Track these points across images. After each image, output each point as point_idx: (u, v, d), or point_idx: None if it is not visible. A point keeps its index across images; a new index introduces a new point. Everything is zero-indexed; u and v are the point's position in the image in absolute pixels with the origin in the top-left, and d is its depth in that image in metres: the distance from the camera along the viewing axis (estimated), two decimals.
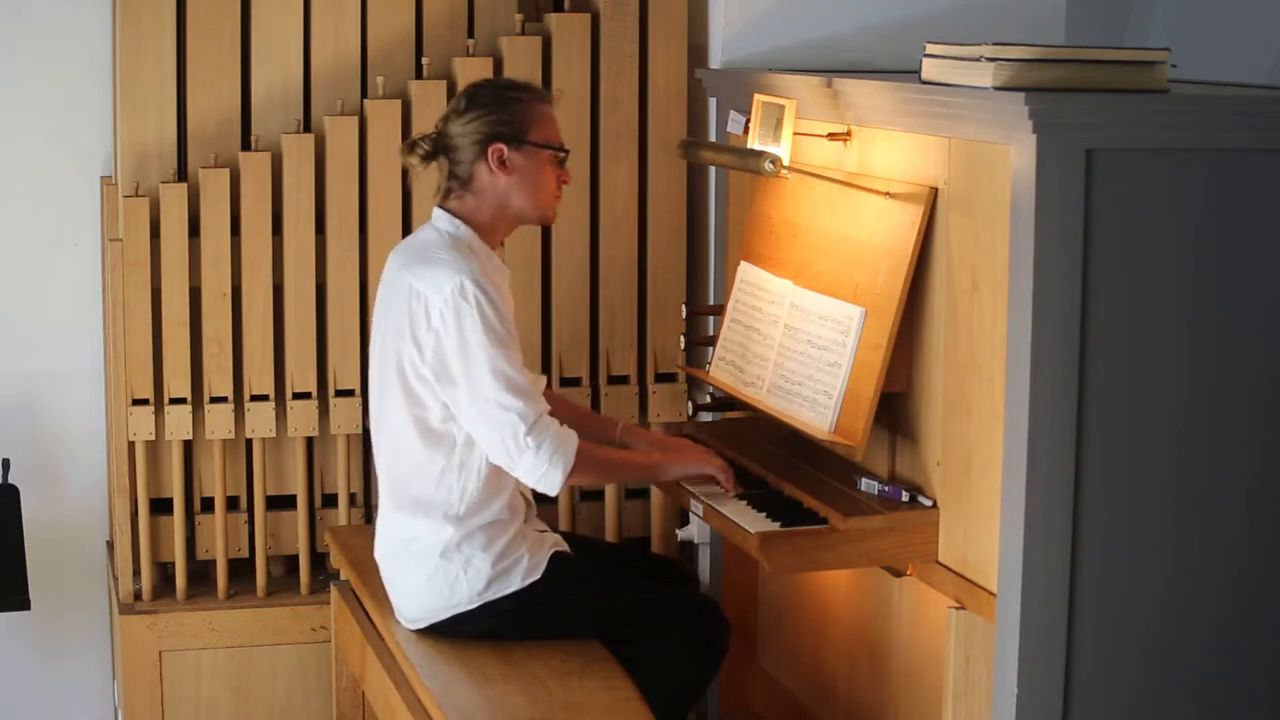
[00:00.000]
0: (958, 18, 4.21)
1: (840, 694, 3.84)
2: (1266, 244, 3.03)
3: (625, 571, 3.72)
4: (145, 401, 4.12)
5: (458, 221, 3.55)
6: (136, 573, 4.24)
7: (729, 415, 4.07)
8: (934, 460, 3.27)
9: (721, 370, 3.79)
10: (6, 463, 4.28)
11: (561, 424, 3.47)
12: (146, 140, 4.13)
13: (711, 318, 4.06)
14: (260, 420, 4.17)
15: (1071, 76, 2.96)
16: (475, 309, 3.40)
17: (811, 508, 3.37)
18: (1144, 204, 2.96)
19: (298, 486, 4.25)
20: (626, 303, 4.32)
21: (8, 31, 4.47)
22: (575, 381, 4.31)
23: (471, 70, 4.17)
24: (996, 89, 2.97)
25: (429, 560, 3.52)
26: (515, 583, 3.53)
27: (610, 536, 4.36)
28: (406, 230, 4.18)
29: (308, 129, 4.18)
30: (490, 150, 3.53)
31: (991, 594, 3.06)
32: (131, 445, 4.17)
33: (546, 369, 4.29)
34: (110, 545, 4.49)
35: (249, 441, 4.23)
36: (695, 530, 4.31)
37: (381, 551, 3.64)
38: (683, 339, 4.01)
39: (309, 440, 4.25)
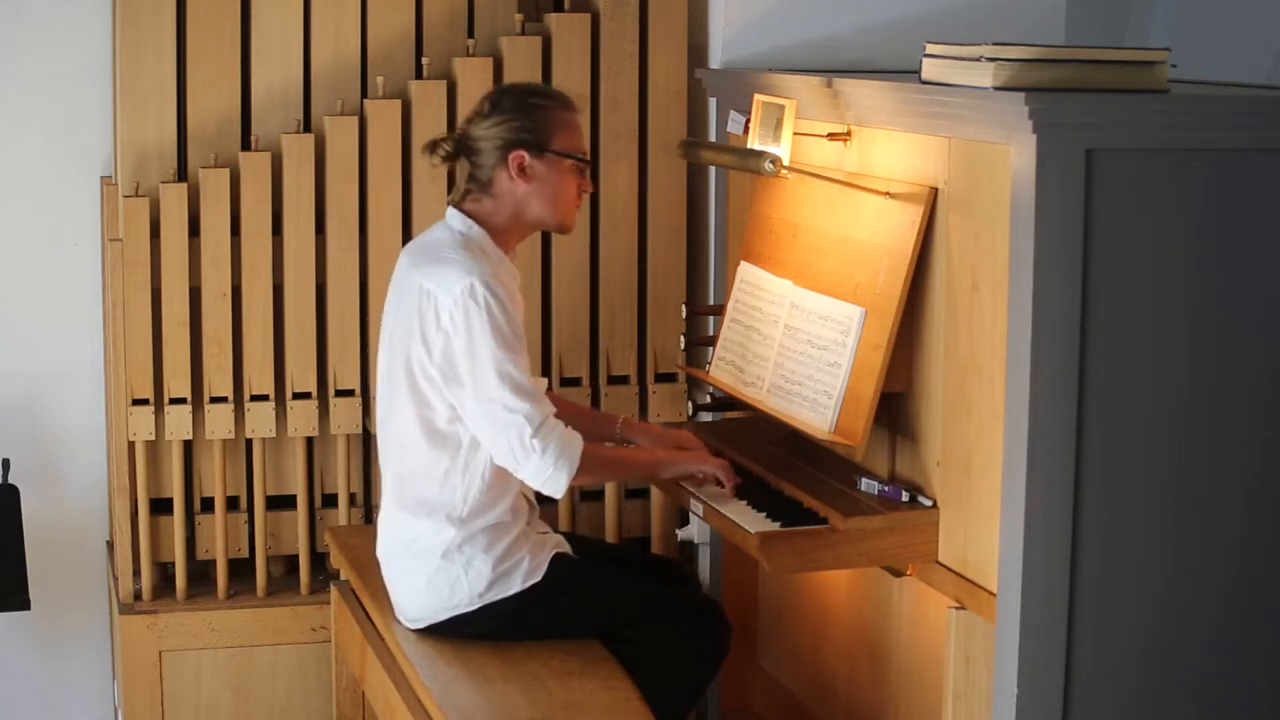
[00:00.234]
0: (958, 18, 4.21)
1: (840, 694, 3.84)
2: (1266, 244, 3.02)
3: (625, 572, 3.72)
4: (145, 401, 4.12)
5: (471, 222, 3.55)
6: (136, 573, 4.24)
7: (729, 415, 4.07)
8: (934, 460, 3.27)
9: (721, 370, 3.79)
10: (6, 463, 4.28)
11: (566, 425, 3.47)
12: (146, 140, 4.13)
13: (711, 318, 4.06)
14: (260, 420, 4.17)
15: (1071, 76, 2.96)
16: (484, 310, 3.40)
17: (811, 508, 3.37)
18: (1144, 204, 2.96)
19: (298, 486, 4.25)
20: (626, 303, 4.32)
21: (8, 31, 4.47)
22: (575, 381, 4.31)
23: (471, 70, 4.17)
24: (996, 89, 2.97)
25: (430, 561, 3.52)
26: (516, 585, 3.53)
27: (610, 537, 4.36)
28: (406, 230, 4.18)
29: (308, 129, 4.18)
30: (511, 157, 3.52)
31: (991, 594, 3.06)
32: (131, 445, 4.17)
33: (546, 369, 4.29)
34: (110, 545, 4.49)
35: (249, 441, 4.23)
36: (695, 530, 4.31)
37: (383, 550, 3.64)
38: (683, 339, 4.01)
39: (309, 440, 4.25)
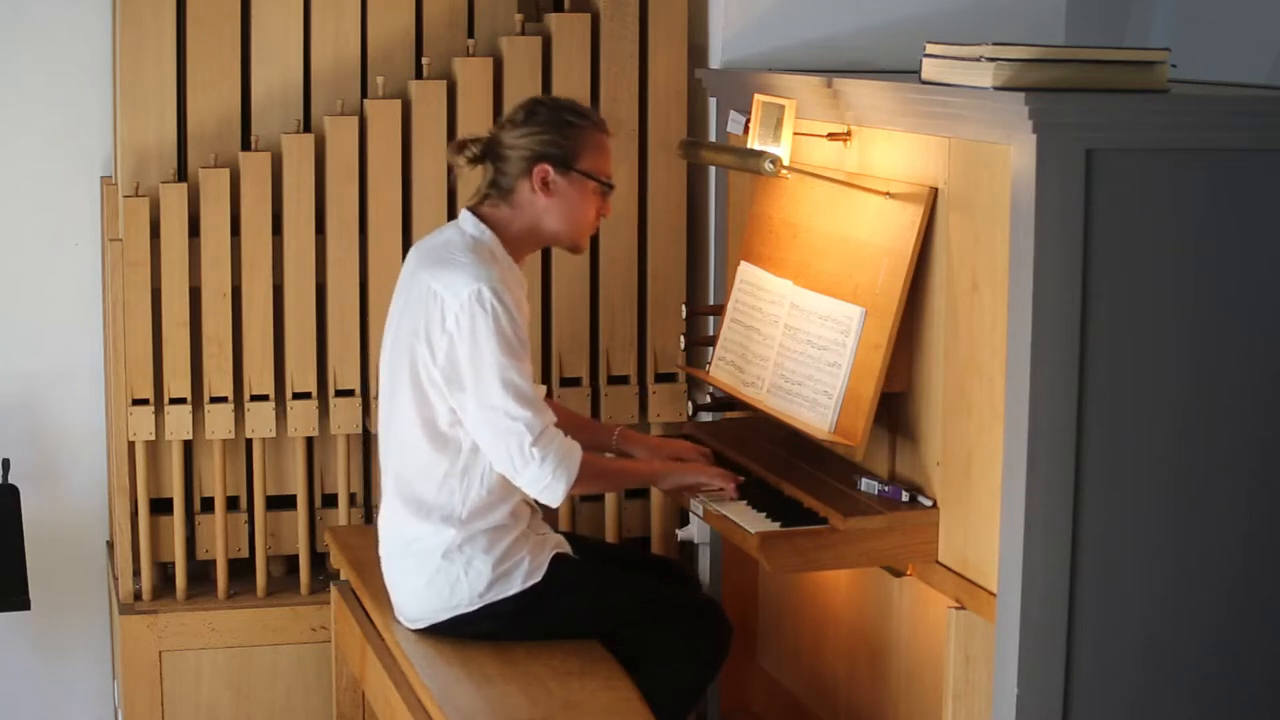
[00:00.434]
0: (958, 18, 4.21)
1: (840, 694, 3.84)
2: (1266, 244, 3.02)
3: (626, 572, 3.72)
4: (145, 401, 4.12)
5: (484, 226, 3.54)
6: (136, 573, 4.24)
7: (729, 415, 4.07)
8: (934, 460, 3.27)
9: (721, 370, 3.79)
10: (6, 463, 4.28)
11: (566, 435, 3.47)
12: (146, 140, 4.13)
13: (711, 318, 4.06)
14: (260, 420, 4.17)
15: (1071, 76, 2.96)
16: (490, 317, 3.40)
17: (811, 508, 3.37)
18: (1144, 204, 2.96)
19: (298, 486, 4.25)
20: (626, 303, 4.32)
21: (8, 31, 4.47)
22: (575, 381, 4.31)
23: (471, 70, 4.17)
24: (996, 89, 2.97)
25: (430, 561, 3.52)
26: (516, 585, 3.53)
27: (610, 537, 4.36)
28: (406, 230, 4.18)
29: (308, 129, 4.18)
30: (536, 169, 3.52)
31: (991, 594, 3.06)
32: (131, 445, 4.17)
33: (546, 369, 4.29)
34: (110, 545, 4.49)
35: (249, 441, 4.23)
36: (695, 530, 4.31)
37: (384, 550, 3.65)
38: (683, 339, 4.01)
39: (309, 440, 4.25)
